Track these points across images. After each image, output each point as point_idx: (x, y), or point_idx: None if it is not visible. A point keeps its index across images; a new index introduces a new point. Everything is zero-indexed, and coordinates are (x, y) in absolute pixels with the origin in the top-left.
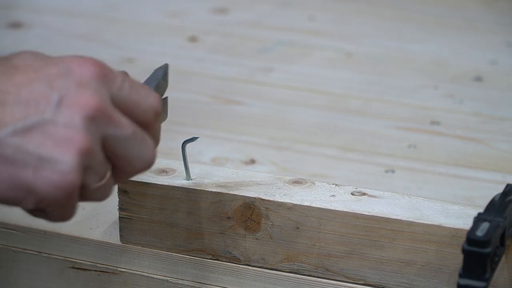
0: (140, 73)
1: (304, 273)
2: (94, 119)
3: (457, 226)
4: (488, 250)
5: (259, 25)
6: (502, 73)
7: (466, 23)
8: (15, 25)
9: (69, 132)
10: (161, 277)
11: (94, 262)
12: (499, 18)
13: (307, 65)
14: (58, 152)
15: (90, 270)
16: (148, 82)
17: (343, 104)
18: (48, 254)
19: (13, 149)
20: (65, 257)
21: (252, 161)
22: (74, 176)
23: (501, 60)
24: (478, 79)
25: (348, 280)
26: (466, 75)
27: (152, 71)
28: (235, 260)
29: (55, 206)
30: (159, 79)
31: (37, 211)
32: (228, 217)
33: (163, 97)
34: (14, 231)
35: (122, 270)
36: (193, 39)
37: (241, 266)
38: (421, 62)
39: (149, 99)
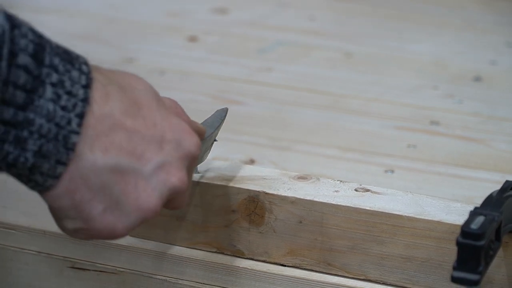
0: (140, 73)
1: (307, 267)
2: (174, 193)
3: (457, 223)
4: (482, 243)
5: (259, 25)
6: (502, 73)
7: (466, 23)
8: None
9: (152, 195)
10: (161, 277)
11: (93, 262)
12: (499, 18)
13: (307, 65)
14: (134, 206)
15: (89, 270)
16: (211, 120)
17: (343, 104)
18: (48, 254)
19: (102, 182)
20: (65, 257)
21: (252, 161)
22: (128, 231)
23: (501, 60)
24: (478, 79)
25: (349, 275)
26: (466, 75)
27: (154, 72)
28: (239, 253)
29: (93, 237)
30: (222, 120)
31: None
32: (233, 211)
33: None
34: (13, 231)
35: (122, 270)
36: (193, 39)
37: (240, 266)
38: (421, 62)
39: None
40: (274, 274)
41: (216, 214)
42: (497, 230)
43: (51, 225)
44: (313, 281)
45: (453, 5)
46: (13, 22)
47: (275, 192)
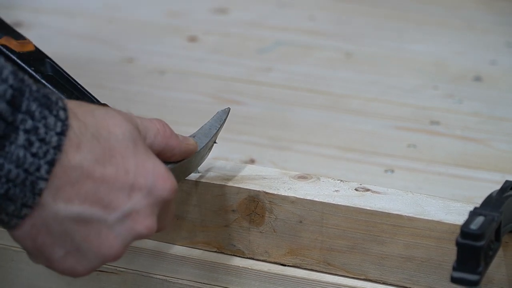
0: (140, 73)
1: (307, 267)
2: (140, 239)
3: (457, 222)
4: (481, 243)
5: (259, 25)
6: (502, 73)
7: (466, 23)
8: (15, 25)
9: (114, 243)
10: (161, 277)
11: None
12: (499, 18)
13: (307, 65)
14: (95, 253)
15: None
16: (210, 124)
17: (343, 104)
18: None
19: (62, 230)
20: None
21: (252, 161)
22: (89, 273)
23: (501, 60)
24: (478, 79)
25: (349, 275)
26: (466, 75)
27: (154, 72)
28: (239, 253)
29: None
30: (223, 122)
31: None
32: (233, 210)
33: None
34: None
35: (122, 269)
36: (193, 39)
37: (240, 266)
38: (421, 62)
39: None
40: (274, 273)
41: (216, 214)
42: (496, 230)
43: None
44: (313, 280)
45: (453, 5)
46: None
47: (275, 192)
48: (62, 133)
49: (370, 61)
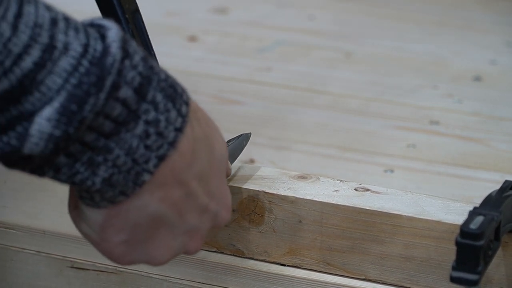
0: None
1: (306, 267)
2: (184, 254)
3: (456, 222)
4: (481, 242)
5: (259, 24)
6: (502, 73)
7: (466, 23)
8: None
9: (168, 252)
10: (160, 277)
11: (93, 262)
12: (499, 18)
13: (306, 65)
14: (147, 252)
15: (89, 269)
16: (237, 145)
17: (343, 104)
18: (48, 253)
19: (138, 222)
20: (65, 256)
21: (251, 161)
22: (129, 264)
23: (501, 60)
24: (478, 79)
25: (349, 275)
26: (466, 75)
27: None
28: (239, 253)
29: (96, 248)
30: (244, 147)
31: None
32: (233, 210)
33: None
34: (13, 231)
35: (121, 269)
36: (192, 38)
37: (240, 266)
38: (420, 62)
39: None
40: (273, 273)
41: None
42: (496, 230)
43: (51, 225)
44: (313, 280)
45: (453, 5)
46: (127, 51)
47: (275, 192)
48: (180, 130)
49: (369, 61)
